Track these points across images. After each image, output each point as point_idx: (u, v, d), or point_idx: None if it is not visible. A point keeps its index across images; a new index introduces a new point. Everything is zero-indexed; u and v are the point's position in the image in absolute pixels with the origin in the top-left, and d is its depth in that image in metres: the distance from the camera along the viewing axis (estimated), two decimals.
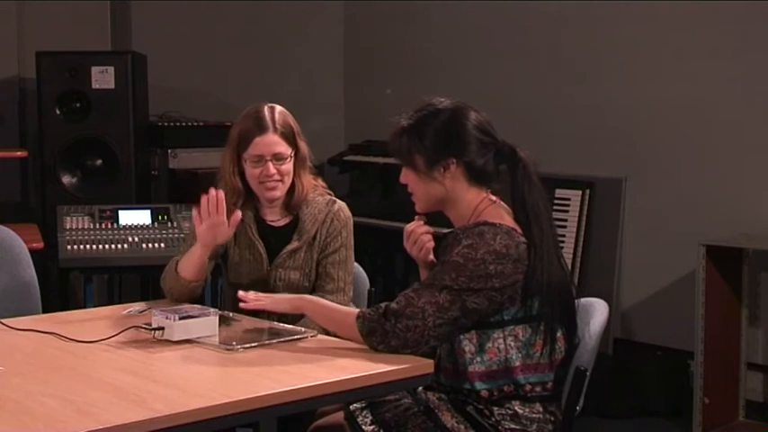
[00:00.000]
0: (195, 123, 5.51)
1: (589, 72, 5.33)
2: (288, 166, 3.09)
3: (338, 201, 3.21)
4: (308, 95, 6.32)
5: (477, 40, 5.82)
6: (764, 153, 4.72)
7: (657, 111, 5.07)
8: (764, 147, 4.72)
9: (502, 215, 2.60)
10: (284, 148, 3.07)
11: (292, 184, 3.13)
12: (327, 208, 3.16)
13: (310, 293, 3.10)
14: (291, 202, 3.15)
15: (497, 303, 2.52)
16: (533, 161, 2.61)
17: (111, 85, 4.97)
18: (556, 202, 5.15)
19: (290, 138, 3.10)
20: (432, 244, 2.73)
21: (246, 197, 3.15)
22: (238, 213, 3.01)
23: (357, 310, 2.61)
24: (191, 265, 3.04)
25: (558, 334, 2.59)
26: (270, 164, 3.06)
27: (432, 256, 2.73)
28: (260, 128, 3.06)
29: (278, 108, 3.14)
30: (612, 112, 5.24)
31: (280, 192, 3.11)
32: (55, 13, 5.32)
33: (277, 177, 3.07)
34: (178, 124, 5.47)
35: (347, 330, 2.59)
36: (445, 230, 2.64)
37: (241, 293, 2.80)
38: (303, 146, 3.14)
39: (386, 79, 6.29)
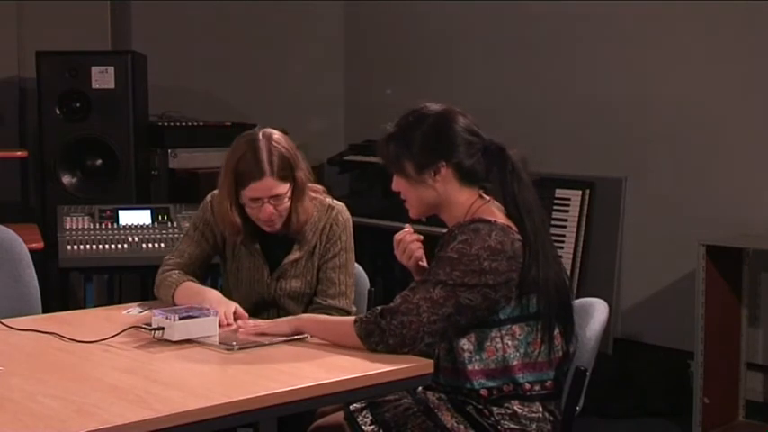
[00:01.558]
0: (195, 123, 5.50)
1: (589, 72, 5.33)
2: (286, 204, 3.02)
3: (336, 204, 3.17)
4: (308, 95, 6.32)
5: (477, 40, 5.82)
6: (764, 153, 4.72)
7: (657, 111, 5.07)
8: (764, 147, 4.72)
9: (495, 213, 2.61)
10: (282, 189, 2.99)
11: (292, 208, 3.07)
12: (327, 215, 3.13)
13: (312, 299, 3.12)
14: (290, 228, 3.09)
15: (491, 300, 2.52)
16: (522, 159, 2.61)
17: (111, 85, 4.97)
18: (556, 202, 5.15)
19: (287, 176, 3.01)
20: (421, 251, 2.75)
21: (245, 221, 3.08)
22: (246, 320, 2.91)
23: (354, 317, 2.62)
24: (189, 302, 2.95)
25: (556, 332, 2.59)
26: (267, 205, 2.99)
27: (423, 263, 2.73)
28: (258, 171, 2.97)
29: (274, 139, 3.02)
30: (612, 112, 5.24)
31: (278, 225, 3.05)
32: (55, 13, 5.31)
33: (275, 216, 3.03)
34: (178, 124, 5.46)
35: (347, 338, 2.59)
36: (443, 231, 2.65)
37: (240, 323, 2.81)
38: (301, 175, 3.05)
39: (386, 79, 6.29)
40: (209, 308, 2.77)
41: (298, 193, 3.04)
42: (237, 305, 2.92)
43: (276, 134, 3.06)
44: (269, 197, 2.99)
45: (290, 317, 2.81)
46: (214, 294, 2.99)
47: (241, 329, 2.77)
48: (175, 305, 2.97)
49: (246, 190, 2.99)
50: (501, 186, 2.61)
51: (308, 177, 3.09)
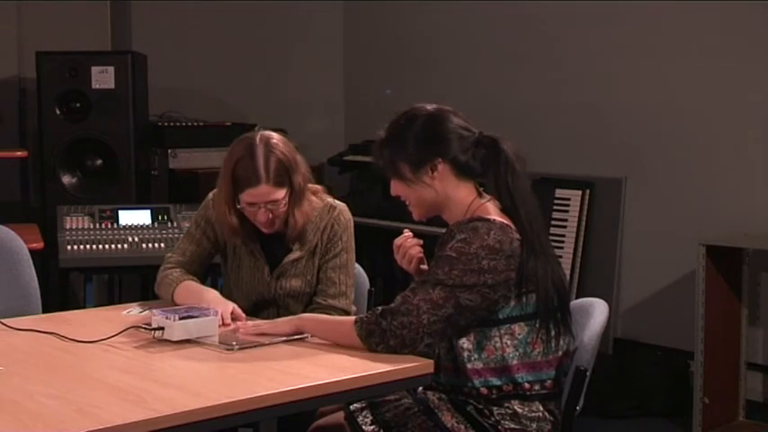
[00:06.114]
0: (195, 123, 5.51)
1: (589, 72, 5.33)
2: (283, 208, 3.02)
3: (338, 204, 3.17)
4: (308, 95, 6.33)
5: (476, 40, 5.82)
6: (764, 153, 4.72)
7: (657, 111, 5.07)
8: (764, 147, 4.72)
9: (493, 212, 2.60)
10: (278, 195, 2.99)
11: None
12: (328, 215, 3.13)
13: (312, 298, 3.12)
14: (288, 233, 3.08)
15: (491, 301, 2.52)
16: (515, 152, 2.61)
17: (111, 85, 4.98)
18: (556, 202, 5.15)
19: (284, 181, 3.00)
20: (421, 255, 2.75)
21: (244, 221, 3.08)
22: (243, 320, 2.91)
23: (354, 317, 2.62)
24: (188, 301, 2.96)
25: (555, 331, 2.59)
26: (263, 210, 2.99)
27: (424, 266, 2.73)
28: (254, 178, 2.96)
29: (272, 144, 3.00)
30: (612, 112, 5.24)
31: (276, 228, 3.06)
32: (55, 13, 5.32)
33: (271, 221, 3.02)
34: (178, 124, 5.47)
35: (347, 338, 2.59)
36: (443, 231, 2.65)
37: (239, 324, 2.80)
38: (299, 180, 3.04)
39: (386, 79, 6.29)
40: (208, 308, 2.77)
41: (295, 198, 3.03)
42: (235, 305, 2.93)
43: (274, 138, 3.05)
44: (265, 203, 2.99)
45: (290, 317, 2.81)
46: (212, 294, 2.99)
47: (241, 330, 2.77)
48: (175, 304, 2.98)
49: (243, 195, 2.99)
50: (495, 178, 2.60)
51: (306, 180, 3.08)
